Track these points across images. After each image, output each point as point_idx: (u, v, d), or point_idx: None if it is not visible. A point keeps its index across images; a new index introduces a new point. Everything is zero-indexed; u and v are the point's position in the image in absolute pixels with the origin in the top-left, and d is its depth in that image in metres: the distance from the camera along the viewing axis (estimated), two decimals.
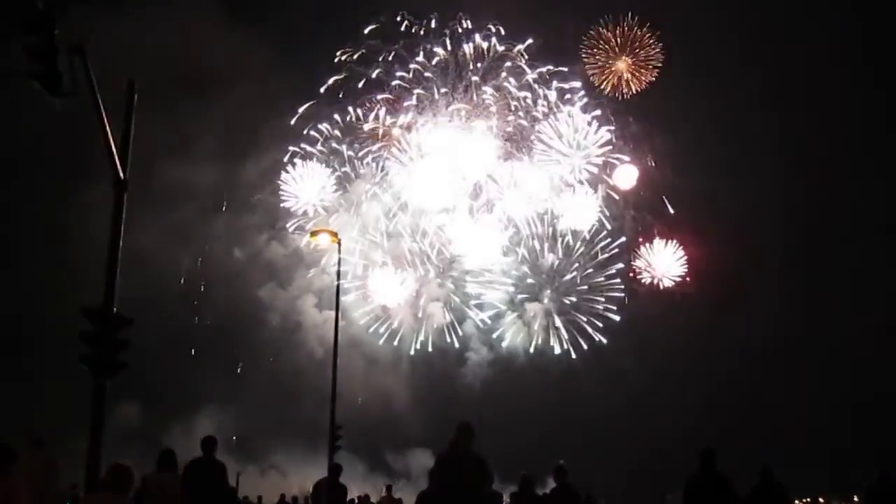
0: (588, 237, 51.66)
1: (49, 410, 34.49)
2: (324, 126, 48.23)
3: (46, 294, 42.20)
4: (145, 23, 43.49)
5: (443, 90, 49.12)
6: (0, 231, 42.94)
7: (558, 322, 51.92)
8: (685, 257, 52.45)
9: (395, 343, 49.62)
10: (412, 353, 49.80)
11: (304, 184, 47.43)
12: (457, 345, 50.51)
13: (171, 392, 44.75)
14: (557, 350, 51.49)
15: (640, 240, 53.15)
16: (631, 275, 53.09)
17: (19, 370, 40.84)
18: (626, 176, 52.88)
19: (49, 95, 14.31)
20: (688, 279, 52.55)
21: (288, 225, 47.78)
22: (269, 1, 50.96)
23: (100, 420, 13.93)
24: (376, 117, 48.84)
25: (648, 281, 52.73)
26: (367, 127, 48.83)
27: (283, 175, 47.72)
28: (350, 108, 48.47)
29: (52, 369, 36.48)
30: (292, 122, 47.60)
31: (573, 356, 51.56)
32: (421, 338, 49.62)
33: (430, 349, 49.89)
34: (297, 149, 47.60)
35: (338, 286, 27.76)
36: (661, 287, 52.60)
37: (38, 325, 41.67)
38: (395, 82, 49.12)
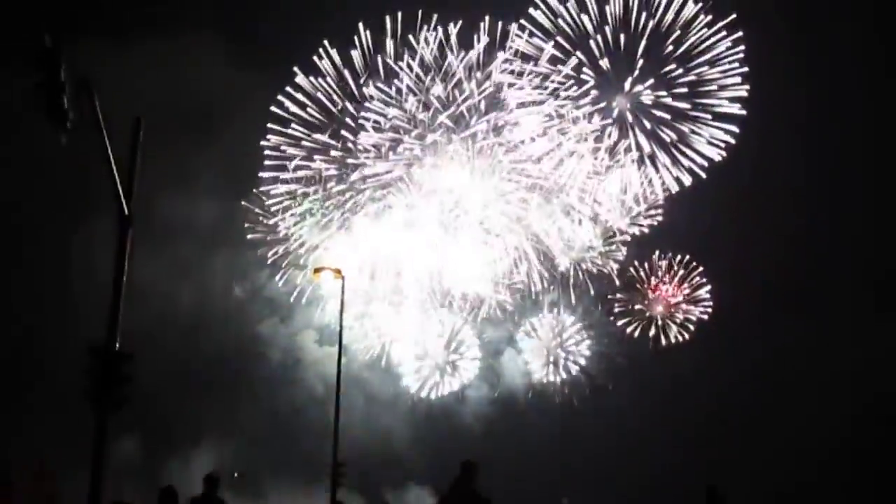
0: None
1: (50, 444, 34.30)
2: (320, 161, 47.50)
3: (48, 327, 42.14)
4: (150, 58, 43.74)
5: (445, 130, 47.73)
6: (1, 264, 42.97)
7: (562, 362, 51.63)
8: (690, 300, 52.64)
9: (403, 386, 49.41)
10: (414, 393, 49.48)
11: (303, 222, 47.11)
12: (455, 387, 50.31)
13: (170, 427, 44.52)
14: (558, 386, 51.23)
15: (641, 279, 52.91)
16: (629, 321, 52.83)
17: (21, 403, 40.68)
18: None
19: (55, 130, 14.38)
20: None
21: (286, 263, 47.35)
22: (272, 39, 51.26)
23: (101, 455, 13.87)
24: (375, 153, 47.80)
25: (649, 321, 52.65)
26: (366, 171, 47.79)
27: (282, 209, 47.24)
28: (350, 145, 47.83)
29: (52, 403, 36.32)
30: (291, 166, 46.85)
31: (574, 402, 51.30)
32: (427, 381, 49.42)
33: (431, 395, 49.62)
34: (296, 186, 47.08)
35: (340, 324, 27.69)
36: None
37: (39, 358, 41.58)
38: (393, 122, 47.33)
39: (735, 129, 48.61)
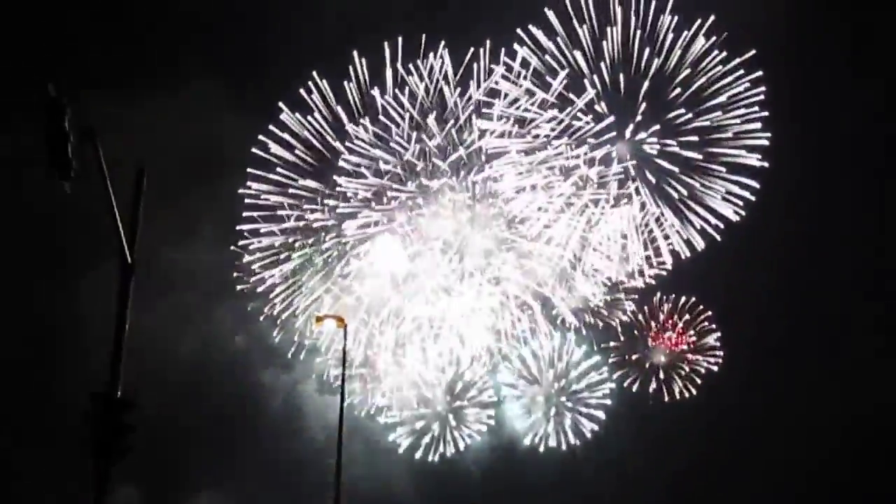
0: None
1: (50, 492, 34.02)
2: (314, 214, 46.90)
3: (49, 375, 42.04)
4: (155, 108, 44.09)
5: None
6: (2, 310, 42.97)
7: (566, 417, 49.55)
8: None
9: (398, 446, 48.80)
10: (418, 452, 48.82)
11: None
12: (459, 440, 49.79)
13: (170, 476, 44.19)
14: (554, 440, 49.30)
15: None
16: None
17: (20, 451, 40.48)
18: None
19: (59, 179, 14.46)
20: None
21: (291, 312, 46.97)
22: (276, 89, 51.41)
23: None
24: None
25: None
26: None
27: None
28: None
29: (53, 451, 36.14)
30: (291, 218, 46.38)
31: (576, 444, 49.52)
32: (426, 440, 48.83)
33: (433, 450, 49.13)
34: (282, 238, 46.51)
35: (343, 371, 27.53)
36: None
37: (40, 406, 41.39)
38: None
39: (755, 183, 43.20)
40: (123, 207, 15.70)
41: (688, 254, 44.18)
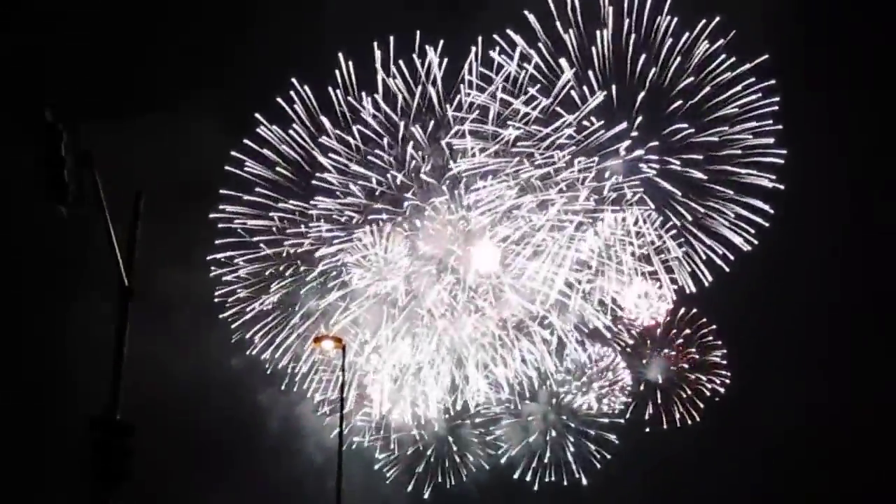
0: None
1: None
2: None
3: (44, 400, 41.94)
4: (150, 133, 44.21)
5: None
6: None
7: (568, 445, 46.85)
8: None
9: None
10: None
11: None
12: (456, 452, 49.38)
13: (168, 499, 44.01)
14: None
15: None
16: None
17: (17, 477, 40.31)
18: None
19: (56, 203, 14.50)
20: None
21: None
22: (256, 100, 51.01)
23: None
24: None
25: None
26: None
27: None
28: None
29: (50, 477, 36.04)
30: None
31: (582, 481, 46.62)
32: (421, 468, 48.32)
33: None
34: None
35: (341, 392, 27.49)
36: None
37: (36, 431, 41.28)
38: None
39: (767, 208, 38.84)
40: (121, 231, 15.75)
41: (693, 289, 40.39)
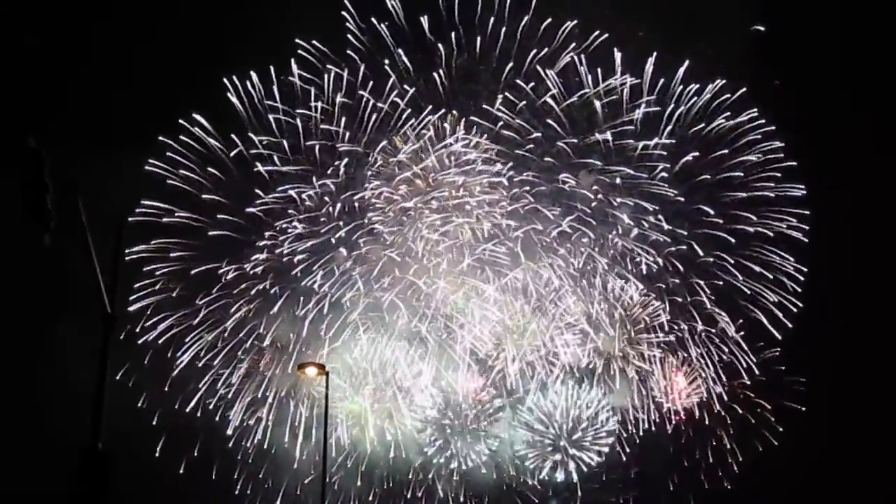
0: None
1: None
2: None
3: (22, 427, 41.49)
4: (134, 158, 44.11)
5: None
6: None
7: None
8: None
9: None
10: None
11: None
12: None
13: None
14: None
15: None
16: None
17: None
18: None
19: (39, 229, 14.44)
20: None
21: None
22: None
23: None
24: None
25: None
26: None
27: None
28: None
29: None
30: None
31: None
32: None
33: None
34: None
35: (325, 420, 27.38)
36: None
37: (10, 457, 40.85)
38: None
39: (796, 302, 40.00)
40: (102, 259, 15.66)
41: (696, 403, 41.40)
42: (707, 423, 42.92)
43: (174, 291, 43.07)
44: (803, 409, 42.62)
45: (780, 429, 42.93)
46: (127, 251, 39.12)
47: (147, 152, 43.05)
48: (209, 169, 42.68)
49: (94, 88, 46.03)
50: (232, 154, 42.61)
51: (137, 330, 42.64)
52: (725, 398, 42.37)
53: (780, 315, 40.81)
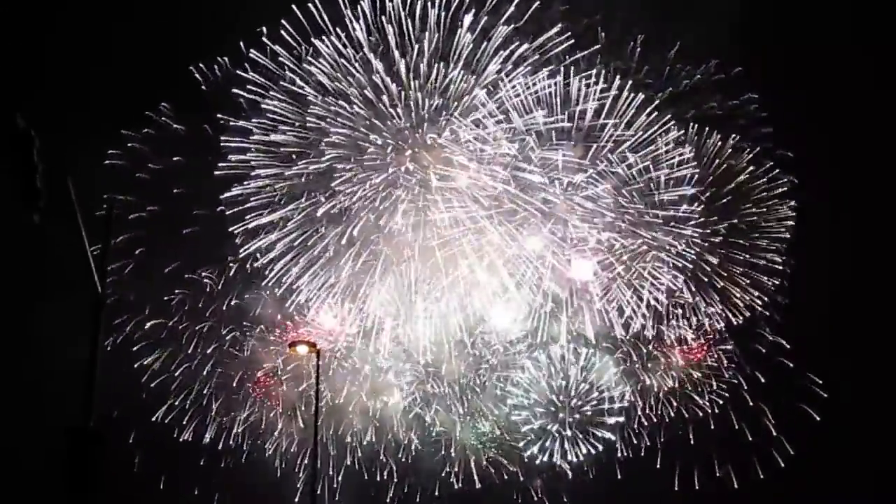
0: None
1: None
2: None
3: (11, 410, 41.50)
4: (121, 141, 44.01)
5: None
6: None
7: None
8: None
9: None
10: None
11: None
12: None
13: None
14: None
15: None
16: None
17: None
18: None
19: (28, 210, 14.41)
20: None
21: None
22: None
23: None
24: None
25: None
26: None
27: None
28: None
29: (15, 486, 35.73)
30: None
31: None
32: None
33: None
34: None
35: (316, 398, 27.42)
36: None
37: (6, 443, 40.85)
38: None
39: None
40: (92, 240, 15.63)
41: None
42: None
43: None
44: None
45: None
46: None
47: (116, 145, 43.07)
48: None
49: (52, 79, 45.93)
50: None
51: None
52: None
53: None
